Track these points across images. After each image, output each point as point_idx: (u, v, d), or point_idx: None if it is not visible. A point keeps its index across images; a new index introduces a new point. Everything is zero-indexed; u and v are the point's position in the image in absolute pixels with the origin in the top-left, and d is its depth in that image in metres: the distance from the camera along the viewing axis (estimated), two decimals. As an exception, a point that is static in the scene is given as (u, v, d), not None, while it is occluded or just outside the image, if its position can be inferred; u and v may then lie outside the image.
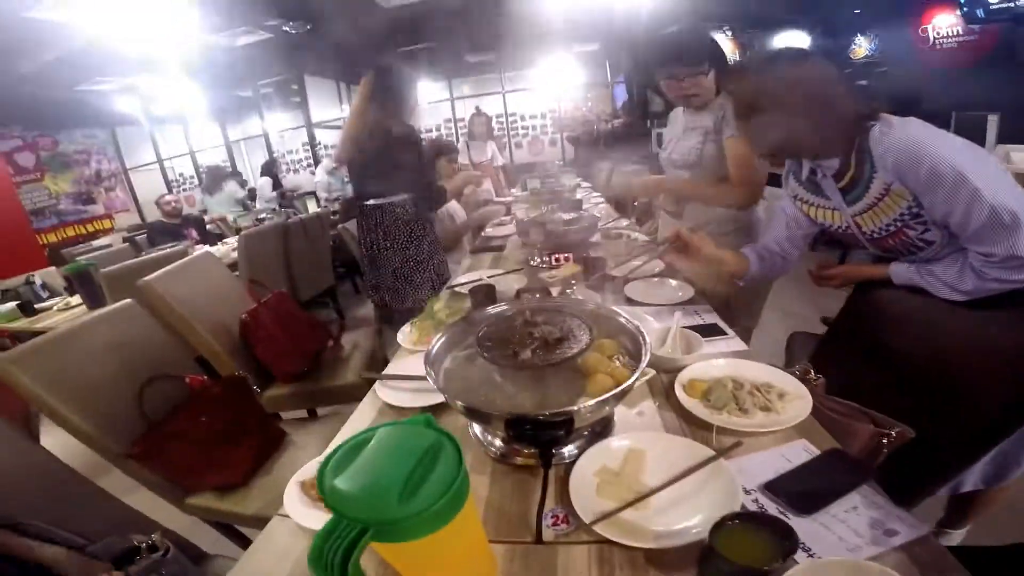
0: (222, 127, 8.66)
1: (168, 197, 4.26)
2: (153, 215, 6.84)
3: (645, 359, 0.78)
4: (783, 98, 1.05)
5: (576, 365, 0.82)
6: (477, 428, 0.90)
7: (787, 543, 0.55)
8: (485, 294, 1.39)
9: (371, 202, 2.13)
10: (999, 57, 4.35)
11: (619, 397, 0.74)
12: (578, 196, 2.67)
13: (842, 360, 1.20)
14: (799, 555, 0.60)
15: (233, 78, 7.17)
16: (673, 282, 1.50)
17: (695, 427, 0.88)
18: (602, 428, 0.87)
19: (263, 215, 4.52)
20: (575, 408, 0.70)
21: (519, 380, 0.80)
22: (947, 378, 1.01)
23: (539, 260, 1.59)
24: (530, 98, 8.99)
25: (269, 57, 6.66)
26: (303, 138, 8.39)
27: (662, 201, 1.93)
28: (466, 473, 0.48)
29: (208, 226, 4.55)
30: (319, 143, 8.07)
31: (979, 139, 4.44)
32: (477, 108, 4.76)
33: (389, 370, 1.22)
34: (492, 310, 0.99)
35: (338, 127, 9.15)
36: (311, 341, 2.04)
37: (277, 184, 6.81)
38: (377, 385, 1.14)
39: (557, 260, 1.54)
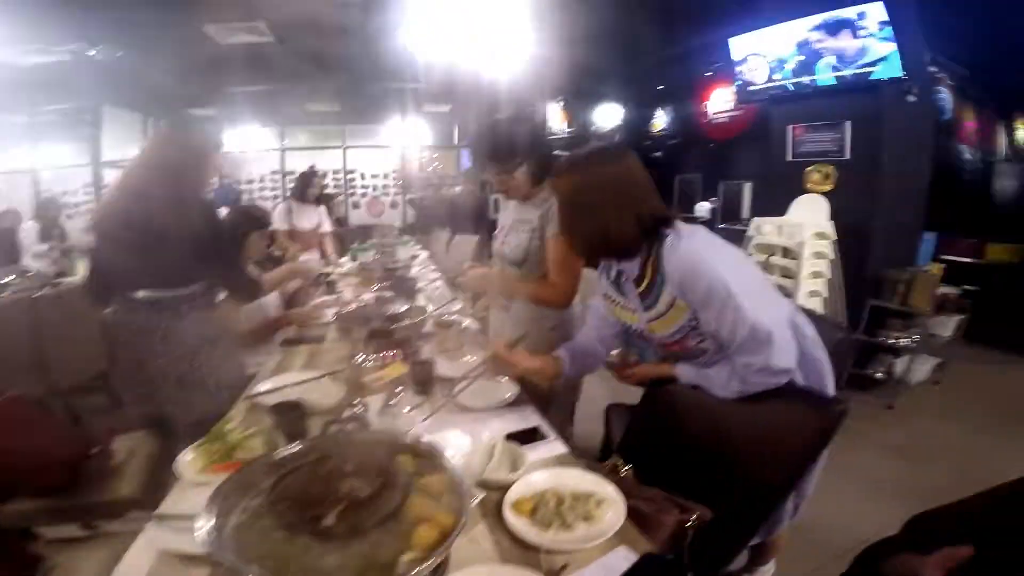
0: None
1: None
2: None
3: (467, 505, 0.73)
4: (593, 196, 1.14)
5: (397, 516, 0.73)
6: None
7: None
8: (291, 414, 1.18)
9: (143, 294, 1.66)
10: (755, 133, 5.16)
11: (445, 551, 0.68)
12: (413, 272, 2.60)
13: (646, 445, 1.31)
14: None
15: (9, 100, 5.84)
16: (501, 379, 1.49)
17: (526, 550, 0.87)
18: (436, 567, 0.79)
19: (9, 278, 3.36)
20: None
21: (314, 547, 0.68)
22: (730, 461, 1.15)
23: (363, 358, 1.47)
24: (373, 155, 8.74)
25: (63, 81, 5.66)
26: (87, 178, 7.01)
27: (490, 294, 1.94)
28: None
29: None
30: (107, 184, 6.78)
31: (738, 204, 5.40)
32: (312, 167, 4.34)
33: (167, 506, 0.98)
34: (289, 452, 0.85)
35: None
36: (65, 448, 1.59)
37: (50, 233, 5.32)
38: (151, 526, 0.91)
39: (384, 358, 1.44)
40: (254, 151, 8.58)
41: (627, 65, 6.41)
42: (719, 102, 5.94)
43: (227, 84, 7.10)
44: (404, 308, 1.83)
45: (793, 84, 3.52)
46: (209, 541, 0.65)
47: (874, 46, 3.06)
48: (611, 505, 0.96)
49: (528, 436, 1.19)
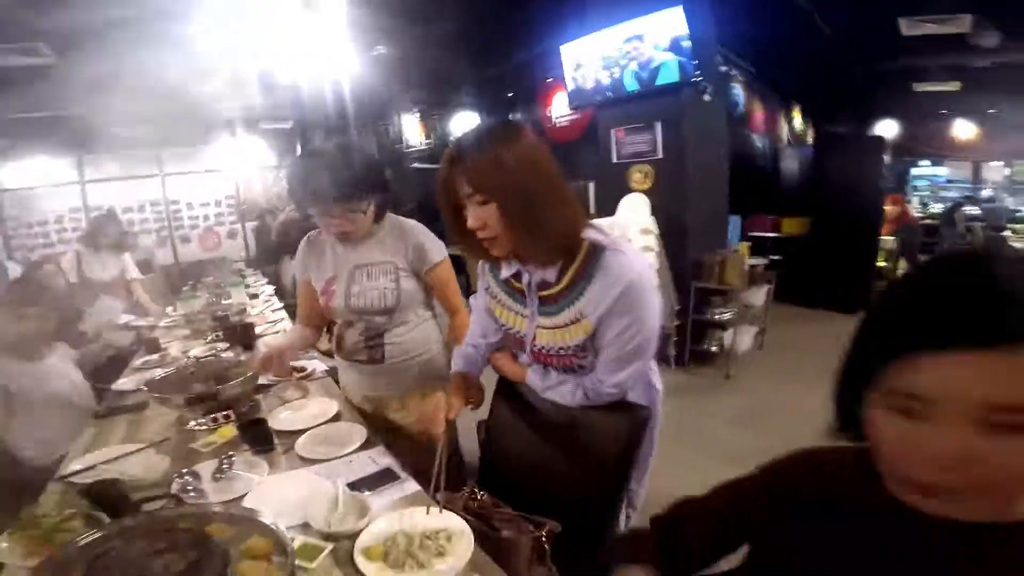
0: None
1: None
2: None
3: (292, 557, 0.70)
4: (538, 180, 0.99)
5: None
6: None
7: None
8: (107, 494, 1.05)
9: None
10: (590, 136, 5.72)
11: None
12: (252, 316, 2.33)
13: (499, 463, 1.35)
14: None
15: None
16: (344, 425, 1.43)
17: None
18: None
19: None
20: None
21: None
22: (562, 472, 1.20)
23: (193, 422, 1.31)
24: (202, 181, 7.67)
25: None
26: None
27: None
28: None
29: None
30: None
31: (586, 203, 5.73)
32: (109, 209, 3.76)
33: None
34: (97, 534, 0.75)
35: None
36: None
37: None
38: None
39: (214, 420, 1.30)
40: (47, 187, 7.14)
41: (478, 72, 6.52)
42: (560, 107, 6.33)
43: (8, 110, 5.85)
44: (236, 361, 1.64)
45: (611, 90, 3.85)
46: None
47: (657, 55, 3.47)
48: (461, 538, 0.97)
49: (379, 481, 1.15)
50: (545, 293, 1.10)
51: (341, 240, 1.50)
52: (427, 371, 1.59)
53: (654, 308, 1.03)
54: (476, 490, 1.15)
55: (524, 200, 0.98)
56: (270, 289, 3.27)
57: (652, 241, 3.47)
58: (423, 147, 7.80)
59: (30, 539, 0.97)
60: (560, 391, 1.17)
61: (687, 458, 2.40)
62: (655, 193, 3.72)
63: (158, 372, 1.77)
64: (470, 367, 1.33)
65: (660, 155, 3.76)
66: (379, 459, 1.24)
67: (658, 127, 3.73)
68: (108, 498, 1.05)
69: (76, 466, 1.30)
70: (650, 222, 3.51)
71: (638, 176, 3.93)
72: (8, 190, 7.14)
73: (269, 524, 0.81)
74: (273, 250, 4.53)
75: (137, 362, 2.19)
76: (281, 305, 2.75)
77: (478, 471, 1.37)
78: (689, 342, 3.87)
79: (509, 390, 1.35)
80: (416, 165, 7.71)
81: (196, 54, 4.35)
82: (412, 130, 7.96)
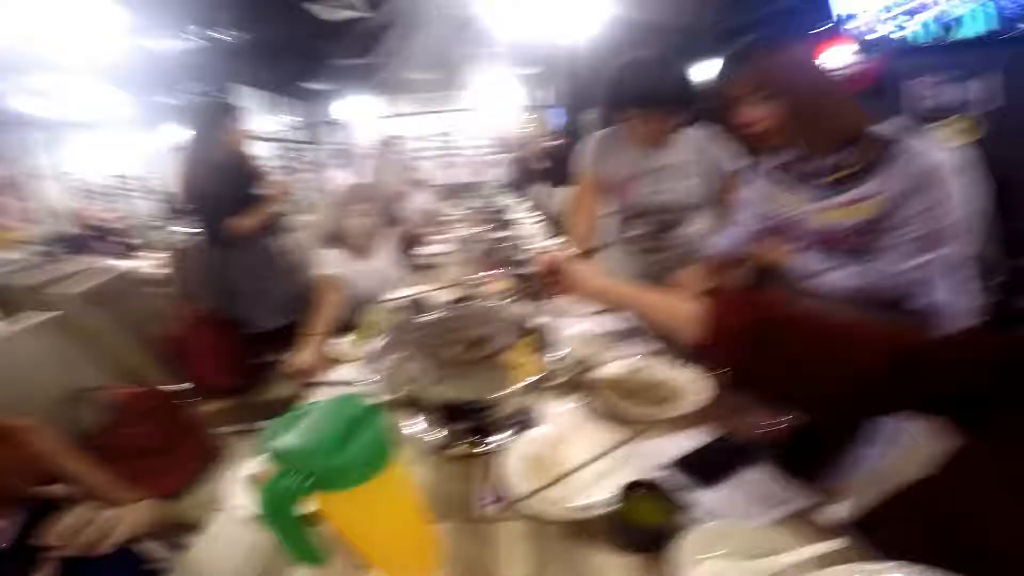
0: (144, 135, 8.15)
1: (83, 206, 3.99)
2: (63, 226, 6.26)
3: (562, 351, 0.90)
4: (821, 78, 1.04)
5: (501, 362, 0.92)
6: (415, 425, 0.97)
7: (683, 504, 0.67)
8: (418, 306, 1.47)
9: None
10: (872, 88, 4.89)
11: (541, 383, 0.85)
12: (515, 215, 2.79)
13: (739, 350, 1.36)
14: (701, 522, 0.69)
15: (158, 84, 6.82)
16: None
17: (611, 417, 1.00)
18: (529, 418, 0.97)
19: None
20: (504, 393, 0.80)
21: (452, 374, 0.89)
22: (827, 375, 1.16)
23: (475, 276, 1.69)
24: (471, 118, 9.17)
25: (201, 64, 6.43)
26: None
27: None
28: (388, 433, 0.58)
29: (125, 240, 4.26)
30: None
31: None
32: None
33: (334, 373, 1.27)
34: (423, 317, 1.08)
35: (271, 139, 8.89)
36: (246, 355, 2.01)
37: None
38: (316, 392, 1.18)
39: (491, 276, 1.64)
40: (366, 119, 9.31)
41: (725, 20, 5.97)
42: (834, 58, 5.48)
43: (337, 58, 7.66)
44: (508, 234, 2.01)
45: (911, 39, 3.24)
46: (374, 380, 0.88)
47: None
48: (696, 390, 1.05)
49: (618, 337, 1.32)
50: (827, 180, 1.06)
51: (645, 143, 1.56)
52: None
53: (962, 195, 0.93)
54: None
55: (810, 94, 1.00)
56: (528, 203, 3.76)
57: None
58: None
59: (358, 339, 1.42)
60: (836, 275, 1.10)
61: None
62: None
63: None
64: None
65: (980, 109, 3.03)
66: (620, 322, 1.40)
67: (979, 79, 3.02)
68: (416, 308, 1.47)
69: (397, 294, 1.81)
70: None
71: (946, 131, 3.28)
72: (337, 122, 9.59)
73: (549, 326, 1.02)
74: (527, 176, 5.11)
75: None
76: (540, 216, 3.18)
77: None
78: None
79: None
80: None
81: (472, 8, 4.98)
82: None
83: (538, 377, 0.84)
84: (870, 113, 1.01)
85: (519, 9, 4.53)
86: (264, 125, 8.77)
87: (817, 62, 1.03)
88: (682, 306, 0.79)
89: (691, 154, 1.56)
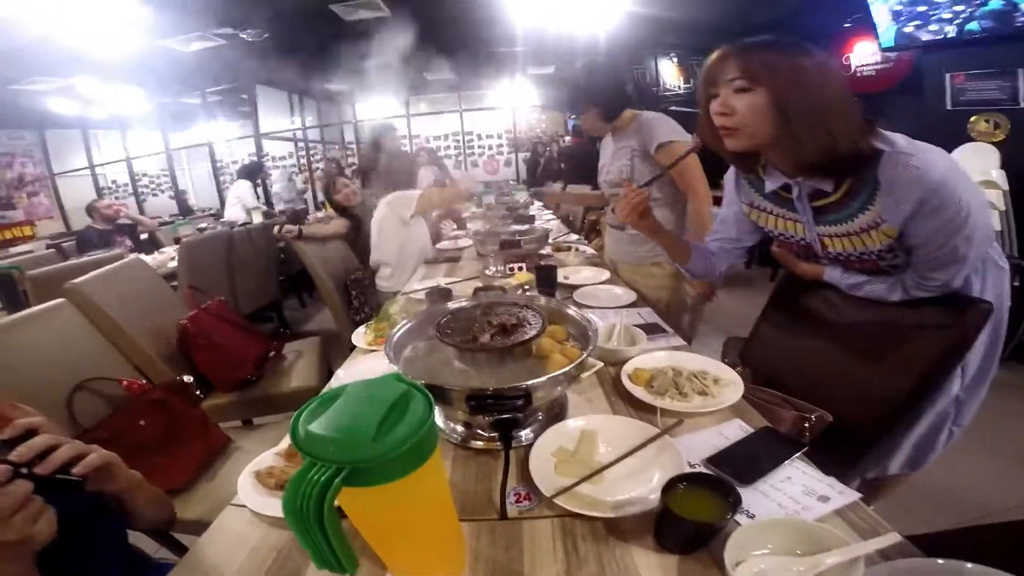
0: (164, 134, 8.29)
1: (106, 201, 4.03)
2: (80, 223, 6.35)
3: (593, 340, 0.85)
4: (822, 88, 0.88)
5: (531, 350, 0.87)
6: (439, 416, 0.93)
7: (731, 499, 0.62)
8: (441, 295, 1.44)
9: None
10: (906, 84, 4.78)
11: (573, 372, 0.80)
12: (530, 212, 2.77)
13: (766, 356, 1.32)
14: (742, 519, 0.66)
15: (180, 84, 6.92)
16: (618, 289, 1.60)
17: (641, 411, 0.95)
18: (557, 412, 0.92)
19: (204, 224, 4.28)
20: (534, 382, 0.75)
21: (478, 363, 0.84)
22: (856, 371, 1.13)
23: (494, 270, 1.65)
24: (487, 117, 9.22)
25: (221, 64, 6.49)
26: (250, 148, 8.15)
27: (608, 217, 2.05)
28: (434, 420, 0.51)
29: (142, 235, 4.29)
30: (266, 154, 7.85)
31: None
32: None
33: (346, 366, 1.23)
34: (451, 304, 1.03)
35: (288, 139, 8.97)
36: (252, 349, 1.98)
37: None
38: (334, 381, 1.15)
39: (511, 269, 1.60)
40: (384, 119, 9.34)
41: (747, 19, 5.89)
42: (862, 54, 5.38)
43: (355, 59, 7.71)
44: (527, 228, 1.98)
45: (947, 32, 3.10)
46: (398, 367, 0.83)
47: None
48: (729, 384, 1.00)
49: (647, 330, 1.26)
50: (822, 203, 1.02)
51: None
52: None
53: (975, 201, 0.89)
54: (739, 364, 1.17)
55: (801, 91, 0.88)
56: (539, 201, 3.74)
57: (997, 198, 2.74)
58: (681, 91, 7.59)
59: (380, 329, 1.39)
60: (872, 289, 1.08)
61: (967, 449, 1.92)
62: (1008, 146, 2.90)
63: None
64: (695, 247, 1.33)
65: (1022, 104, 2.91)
66: (647, 316, 1.35)
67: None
68: (441, 298, 1.44)
69: (416, 286, 1.79)
70: (997, 176, 2.76)
71: (984, 126, 3.15)
72: (359, 121, 9.62)
73: (578, 315, 0.96)
74: (542, 174, 5.13)
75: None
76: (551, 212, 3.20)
77: (741, 353, 1.37)
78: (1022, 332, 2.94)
79: (787, 294, 1.30)
80: (673, 108, 7.56)
81: (488, 9, 4.98)
82: (669, 74, 7.78)
83: (569, 368, 0.79)
84: (898, 111, 0.96)
85: (535, 9, 4.51)
86: (283, 125, 8.86)
87: (825, 60, 0.89)
88: None
89: (633, 140, 1.78)
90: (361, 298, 2.47)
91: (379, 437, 0.45)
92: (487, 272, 1.70)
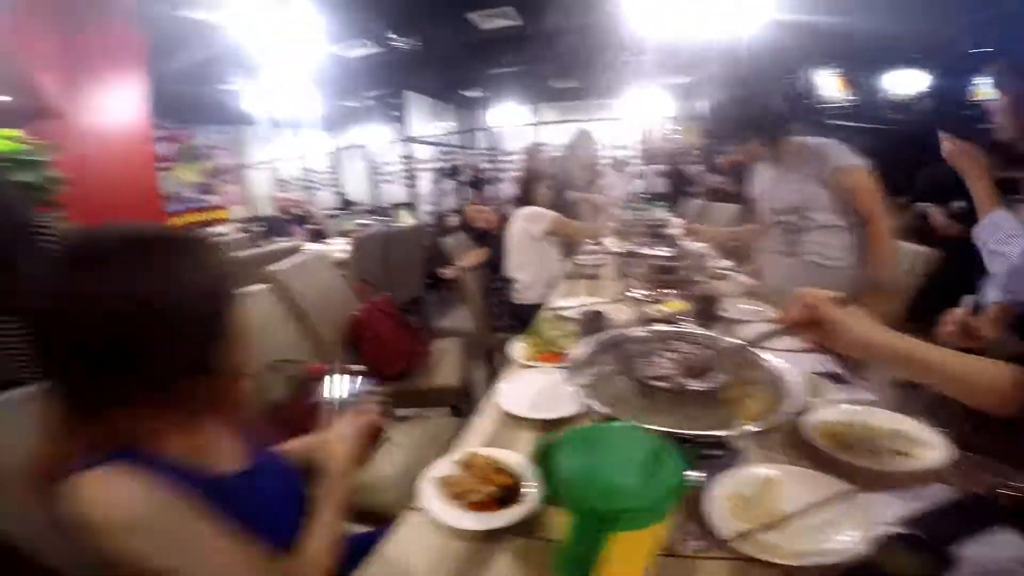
0: (328, 134, 9.34)
1: (287, 195, 4.67)
2: (261, 210, 7.46)
3: (792, 397, 0.82)
4: None
5: (717, 394, 0.87)
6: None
7: (939, 562, 0.58)
8: (594, 320, 1.47)
9: None
10: None
11: (761, 427, 0.79)
12: (671, 231, 2.69)
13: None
14: None
15: (342, 88, 7.74)
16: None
17: (826, 465, 0.90)
18: (732, 457, 0.91)
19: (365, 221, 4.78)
20: (735, 432, 0.75)
21: (656, 400, 0.86)
22: None
23: (641, 294, 1.64)
24: (616, 128, 9.03)
25: (377, 70, 7.12)
26: (399, 151, 8.91)
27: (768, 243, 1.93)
28: (681, 471, 0.54)
29: (311, 227, 4.92)
30: (411, 156, 8.52)
31: None
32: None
33: (509, 380, 1.29)
34: (629, 332, 1.06)
35: (433, 143, 9.64)
36: (408, 345, 2.14)
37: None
38: (496, 393, 1.21)
39: (661, 294, 1.59)
40: (513, 127, 9.69)
41: (921, 27, 5.14)
42: None
43: (490, 67, 8.05)
44: (675, 250, 1.92)
45: None
46: (579, 393, 0.86)
47: None
48: (933, 448, 0.91)
49: (834, 379, 1.18)
50: None
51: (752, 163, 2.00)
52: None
53: None
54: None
55: None
56: (679, 219, 3.60)
57: None
58: (845, 104, 6.81)
59: (534, 345, 1.46)
60: None
61: None
62: None
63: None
64: None
65: None
66: (826, 364, 1.26)
67: None
68: (595, 322, 1.46)
69: (561, 303, 1.83)
70: None
71: None
72: (489, 128, 10.09)
73: (764, 360, 0.94)
74: (677, 190, 4.93)
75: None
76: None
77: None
78: None
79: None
80: (835, 122, 6.84)
81: (617, 16, 4.88)
82: (829, 86, 7.03)
83: (761, 420, 0.78)
84: None
85: (669, 15, 4.32)
86: (427, 129, 9.55)
87: None
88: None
89: (805, 167, 1.75)
90: (500, 307, 2.59)
91: (647, 487, 0.49)
92: (631, 294, 1.69)
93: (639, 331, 1.06)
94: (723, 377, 0.86)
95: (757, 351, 0.95)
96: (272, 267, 1.85)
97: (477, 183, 6.46)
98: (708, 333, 1.06)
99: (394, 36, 6.20)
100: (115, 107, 4.11)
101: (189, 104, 6.56)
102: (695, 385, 0.85)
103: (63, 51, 3.75)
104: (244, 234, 4.54)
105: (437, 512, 0.81)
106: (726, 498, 0.81)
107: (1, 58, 3.08)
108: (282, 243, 3.45)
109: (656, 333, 1.04)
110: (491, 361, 2.46)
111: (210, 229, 5.86)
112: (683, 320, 1.45)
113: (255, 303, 1.60)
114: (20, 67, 3.24)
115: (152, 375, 0.59)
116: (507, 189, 5.49)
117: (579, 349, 1.01)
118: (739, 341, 0.95)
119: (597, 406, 0.84)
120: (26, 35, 3.36)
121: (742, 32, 4.50)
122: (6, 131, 3.11)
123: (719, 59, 5.17)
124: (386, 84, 8.26)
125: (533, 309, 2.16)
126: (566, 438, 0.56)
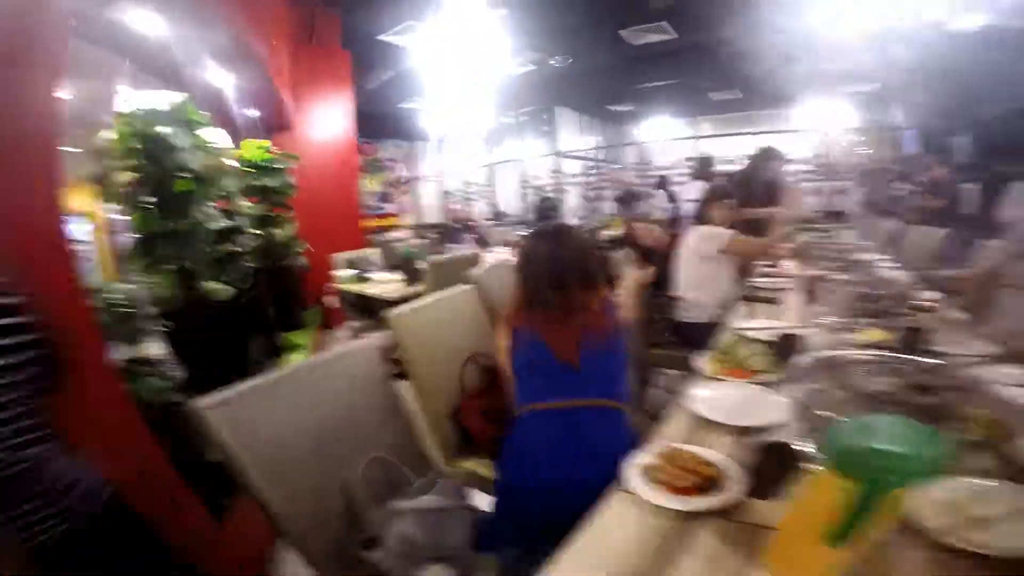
0: (486, 148, 10.07)
1: (457, 206, 5.19)
2: (428, 219, 8.28)
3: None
4: None
5: (944, 411, 0.84)
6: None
7: None
8: (789, 343, 1.46)
9: None
10: None
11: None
12: (864, 257, 2.46)
13: None
14: None
15: (500, 105, 8.29)
16: None
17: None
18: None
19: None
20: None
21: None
22: None
23: (833, 319, 1.57)
24: (784, 141, 8.21)
25: (530, 87, 7.50)
26: (548, 165, 9.28)
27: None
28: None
29: (476, 234, 5.37)
30: (559, 171, 8.79)
31: None
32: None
33: (700, 388, 1.32)
34: (844, 354, 1.06)
35: (581, 158, 9.85)
36: None
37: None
38: (690, 399, 1.26)
39: (858, 322, 1.50)
40: (666, 141, 9.47)
41: None
42: None
43: (640, 81, 7.94)
44: (873, 278, 1.78)
45: None
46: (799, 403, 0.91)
47: None
48: None
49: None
50: None
51: None
52: None
53: None
54: None
55: None
56: (869, 243, 3.26)
57: None
58: None
59: (722, 361, 1.48)
60: None
61: None
62: None
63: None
64: None
65: None
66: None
67: None
68: (790, 347, 1.45)
69: (746, 325, 1.83)
70: None
71: None
72: (639, 143, 9.97)
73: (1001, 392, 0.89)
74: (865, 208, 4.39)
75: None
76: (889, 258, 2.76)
77: None
78: None
79: None
80: None
81: (785, 23, 4.46)
82: None
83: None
84: None
85: (850, 20, 3.85)
86: (575, 144, 9.81)
87: None
88: None
89: None
90: (661, 323, 2.60)
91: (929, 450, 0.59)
92: (821, 320, 1.61)
93: (855, 352, 1.06)
94: (951, 396, 0.85)
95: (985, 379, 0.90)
96: (476, 272, 2.04)
97: (627, 198, 6.41)
98: (930, 360, 1.02)
99: (548, 54, 6.44)
100: (330, 121, 4.93)
101: (377, 120, 7.59)
102: (921, 399, 0.84)
103: (293, 68, 4.53)
104: (422, 240, 5.12)
105: (646, 494, 0.90)
106: (936, 500, 0.78)
107: (255, 75, 3.74)
108: (462, 249, 3.83)
109: (874, 356, 1.03)
110: (643, 373, 2.49)
111: (390, 234, 6.67)
112: (887, 350, 1.37)
113: (464, 301, 1.83)
114: (270, 84, 3.99)
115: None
116: (660, 203, 5.37)
117: (793, 366, 1.04)
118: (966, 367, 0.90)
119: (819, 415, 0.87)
120: (271, 51, 3.99)
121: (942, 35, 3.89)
122: (258, 141, 3.89)
123: (916, 65, 4.53)
124: (538, 100, 8.66)
125: (701, 328, 2.15)
126: (853, 425, 0.65)
